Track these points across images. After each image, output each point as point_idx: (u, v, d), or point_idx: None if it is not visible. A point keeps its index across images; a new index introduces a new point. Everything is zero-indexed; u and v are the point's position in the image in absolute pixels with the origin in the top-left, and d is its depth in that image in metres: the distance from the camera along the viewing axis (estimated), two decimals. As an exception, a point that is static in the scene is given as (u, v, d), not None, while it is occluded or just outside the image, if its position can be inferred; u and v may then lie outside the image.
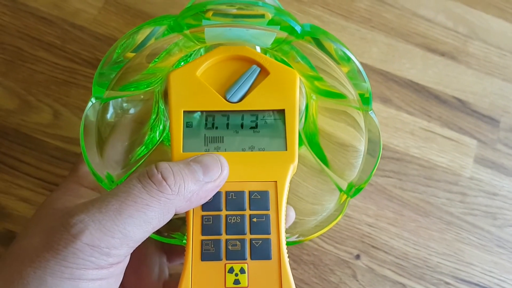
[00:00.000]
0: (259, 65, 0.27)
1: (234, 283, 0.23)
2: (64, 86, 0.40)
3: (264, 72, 0.27)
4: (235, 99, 0.27)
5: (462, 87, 0.44)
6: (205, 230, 0.24)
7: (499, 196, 0.41)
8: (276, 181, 0.25)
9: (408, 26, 0.46)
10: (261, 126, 0.26)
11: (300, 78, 0.27)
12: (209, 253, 0.24)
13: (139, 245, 0.22)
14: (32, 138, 0.38)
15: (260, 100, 0.27)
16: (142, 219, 0.21)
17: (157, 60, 0.26)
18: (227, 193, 0.25)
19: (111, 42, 0.42)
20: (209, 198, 0.24)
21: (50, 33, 0.41)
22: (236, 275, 0.23)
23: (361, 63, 0.43)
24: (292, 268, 0.37)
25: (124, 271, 0.23)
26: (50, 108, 0.39)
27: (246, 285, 0.23)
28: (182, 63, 0.30)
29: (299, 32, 0.23)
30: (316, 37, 0.24)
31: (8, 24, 0.41)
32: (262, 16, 0.23)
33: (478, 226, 0.40)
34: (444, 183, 0.41)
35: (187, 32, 0.24)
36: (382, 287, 0.37)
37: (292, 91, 0.27)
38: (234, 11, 0.23)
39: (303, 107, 0.29)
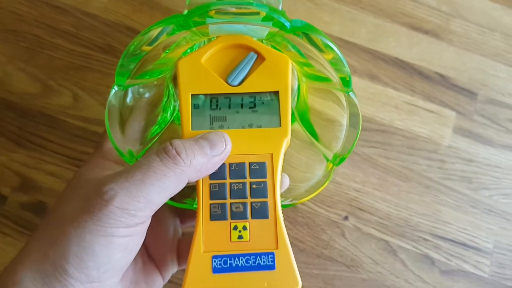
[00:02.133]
0: (256, 52, 0.30)
1: (238, 238, 0.27)
2: (81, 71, 0.43)
3: (260, 58, 0.30)
4: (236, 83, 0.30)
5: (444, 63, 0.47)
6: (213, 195, 0.28)
7: (475, 162, 0.44)
8: (272, 154, 0.28)
9: (395, 7, 0.48)
10: (258, 106, 0.29)
11: (292, 62, 0.31)
12: (216, 214, 0.27)
13: (157, 210, 0.26)
14: (56, 119, 0.41)
15: (257, 83, 0.30)
16: (161, 187, 0.25)
17: (168, 51, 0.30)
18: (230, 164, 0.28)
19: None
20: (215, 169, 0.28)
21: (65, 21, 0.44)
22: (240, 231, 0.27)
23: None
24: (288, 229, 0.41)
25: (146, 230, 0.27)
26: (70, 91, 0.42)
27: (248, 240, 0.27)
28: (188, 51, 0.33)
29: (288, 27, 0.27)
30: (305, 32, 0.27)
31: (26, 13, 0.44)
32: (258, 13, 0.27)
33: (454, 189, 0.43)
34: (424, 152, 0.44)
35: (194, 29, 0.27)
36: (367, 243, 0.41)
37: (285, 74, 0.30)
38: (233, 9, 0.27)
39: (296, 87, 0.33)
